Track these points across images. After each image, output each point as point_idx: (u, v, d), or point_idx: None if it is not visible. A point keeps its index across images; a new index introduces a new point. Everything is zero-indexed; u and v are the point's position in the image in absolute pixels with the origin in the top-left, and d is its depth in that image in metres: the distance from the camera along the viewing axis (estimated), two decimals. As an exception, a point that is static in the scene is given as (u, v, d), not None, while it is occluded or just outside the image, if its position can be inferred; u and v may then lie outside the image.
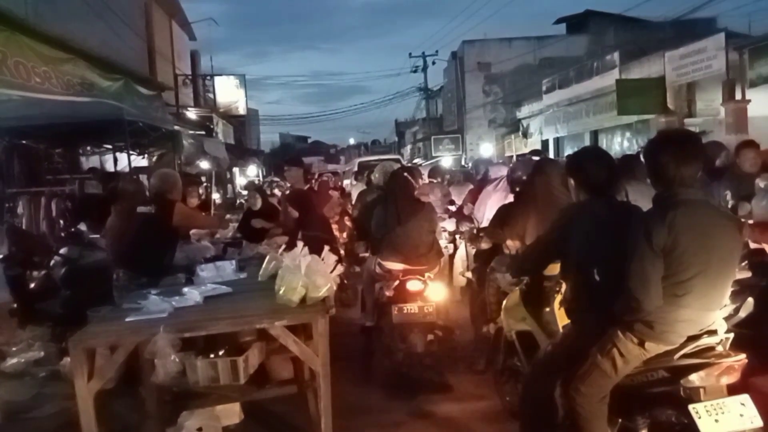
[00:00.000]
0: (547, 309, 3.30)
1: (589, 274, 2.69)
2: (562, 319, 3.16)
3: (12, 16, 7.22)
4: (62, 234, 6.88)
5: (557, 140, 19.41)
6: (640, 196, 3.46)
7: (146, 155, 10.10)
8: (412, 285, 4.46)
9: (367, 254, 5.22)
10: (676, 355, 2.49)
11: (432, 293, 4.47)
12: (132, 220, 4.59)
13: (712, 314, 2.53)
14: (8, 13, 7.13)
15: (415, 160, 28.90)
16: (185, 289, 3.26)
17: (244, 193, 11.74)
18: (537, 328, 3.34)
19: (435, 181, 8.18)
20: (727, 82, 10.89)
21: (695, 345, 2.49)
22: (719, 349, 2.52)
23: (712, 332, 2.52)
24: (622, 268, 2.45)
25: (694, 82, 12.04)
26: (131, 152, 8.00)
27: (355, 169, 16.34)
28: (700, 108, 12.32)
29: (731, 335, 2.57)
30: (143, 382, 3.61)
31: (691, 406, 2.40)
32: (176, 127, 9.31)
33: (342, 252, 6.66)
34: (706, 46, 11.13)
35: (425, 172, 8.47)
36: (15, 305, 5.54)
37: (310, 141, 65.35)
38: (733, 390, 2.48)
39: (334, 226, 7.32)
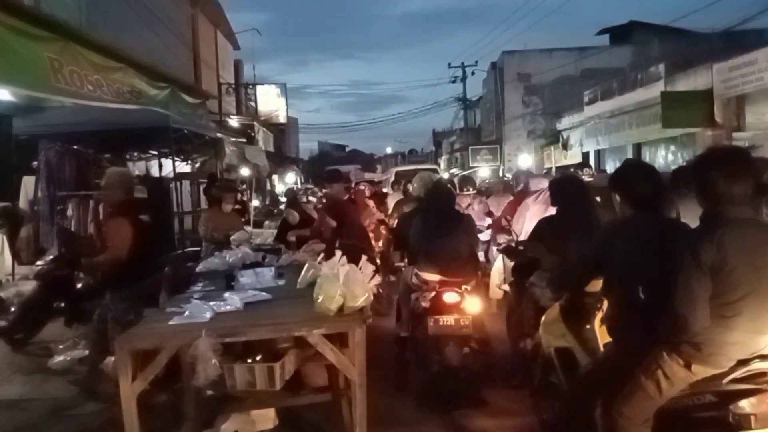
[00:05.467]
0: (588, 326, 3.23)
1: (633, 292, 2.63)
2: (602, 337, 3.08)
3: (67, 26, 7.52)
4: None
5: (598, 152, 19.03)
6: (691, 213, 3.34)
7: (190, 161, 10.39)
8: (449, 297, 4.42)
9: (403, 264, 5.22)
10: (725, 380, 2.40)
11: (468, 306, 4.43)
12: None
13: (764, 338, 2.42)
14: (64, 24, 7.42)
15: (452, 170, 28.80)
16: (226, 294, 3.32)
17: (283, 199, 11.91)
18: (577, 346, 3.27)
19: (468, 191, 8.17)
20: (779, 95, 10.54)
21: (746, 369, 2.39)
22: (772, 374, 2.42)
23: (765, 357, 2.42)
24: (667, 287, 2.38)
25: (743, 94, 11.65)
26: (176, 158, 8.24)
27: (392, 178, 16.35)
28: (750, 121, 11.91)
29: (786, 361, 2.46)
30: (182, 383, 3.69)
31: (740, 434, 2.31)
32: (219, 135, 9.56)
33: (378, 261, 6.67)
34: (758, 58, 10.77)
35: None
36: (63, 304, 5.75)
37: (347, 149, 65.98)
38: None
39: (371, 235, 7.36)
